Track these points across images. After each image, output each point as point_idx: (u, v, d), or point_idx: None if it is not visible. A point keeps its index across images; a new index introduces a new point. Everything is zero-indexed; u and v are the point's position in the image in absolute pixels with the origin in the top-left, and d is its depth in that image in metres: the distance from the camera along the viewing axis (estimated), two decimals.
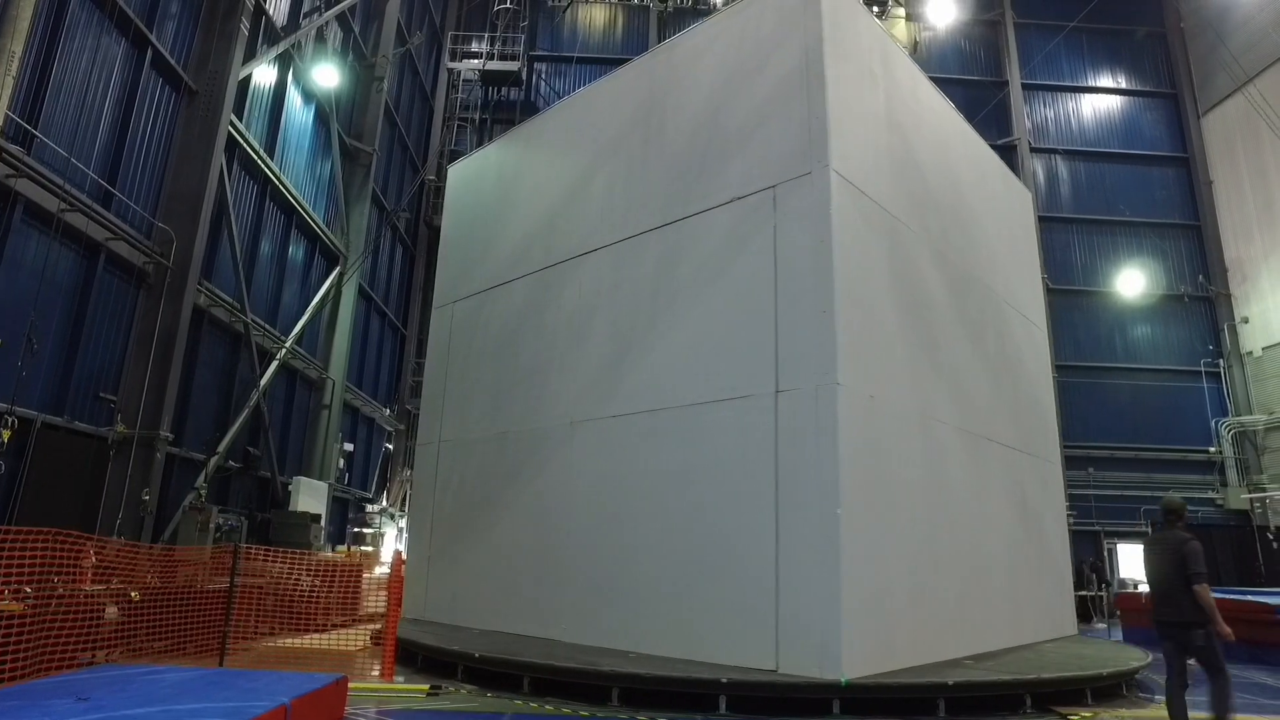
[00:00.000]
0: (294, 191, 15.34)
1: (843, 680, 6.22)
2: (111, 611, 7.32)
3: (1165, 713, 6.71)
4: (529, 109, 26.02)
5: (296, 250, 16.19)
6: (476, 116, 25.91)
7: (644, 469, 8.32)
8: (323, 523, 14.52)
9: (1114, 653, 9.12)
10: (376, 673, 7.63)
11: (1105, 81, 26.62)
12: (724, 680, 6.44)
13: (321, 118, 16.94)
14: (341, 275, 17.91)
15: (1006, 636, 9.13)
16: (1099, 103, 26.51)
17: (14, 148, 8.12)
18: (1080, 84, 26.45)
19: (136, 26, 10.41)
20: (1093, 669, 7.50)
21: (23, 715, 4.00)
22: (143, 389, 10.39)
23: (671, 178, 9.09)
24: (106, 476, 9.83)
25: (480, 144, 25.90)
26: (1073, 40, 26.12)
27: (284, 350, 15.06)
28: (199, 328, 12.14)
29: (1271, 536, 16.67)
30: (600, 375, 9.18)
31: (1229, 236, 24.62)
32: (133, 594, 7.66)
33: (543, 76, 26.60)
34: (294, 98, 15.62)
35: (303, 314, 16.18)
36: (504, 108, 26.20)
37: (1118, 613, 15.90)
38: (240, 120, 12.88)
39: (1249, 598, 12.49)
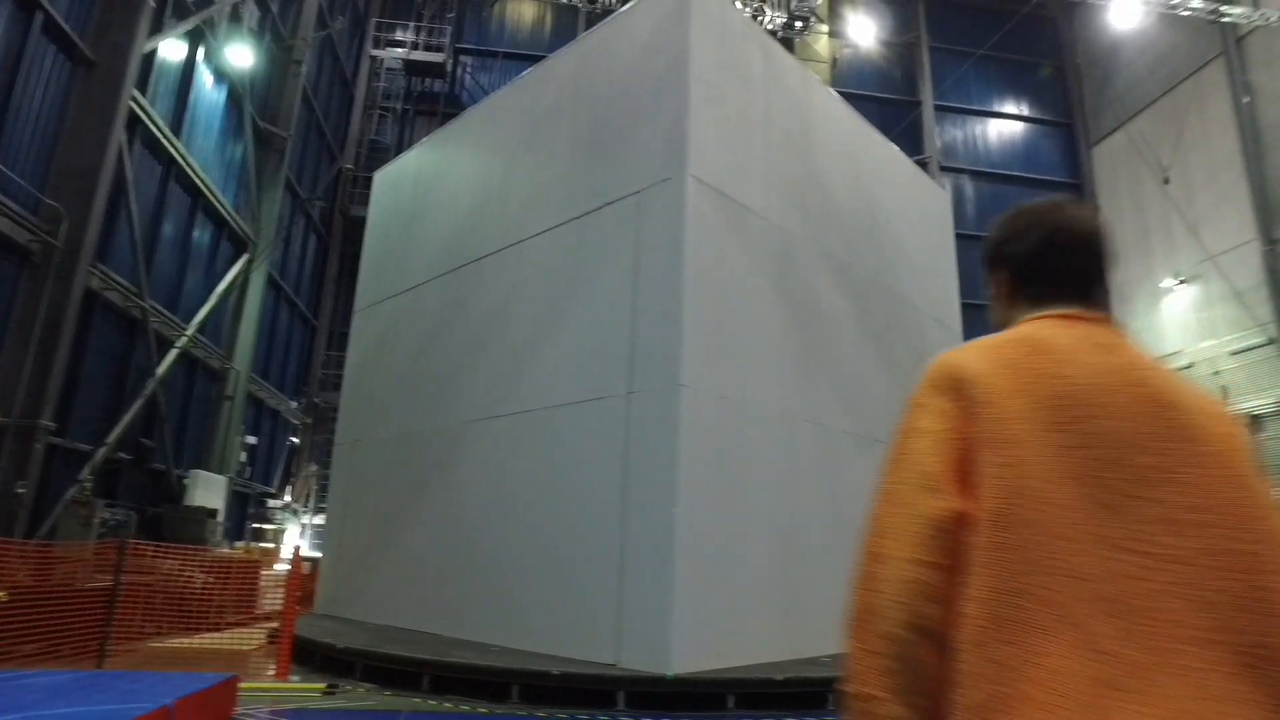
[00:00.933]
0: (201, 174, 14.69)
1: (669, 675, 6.41)
2: None
3: None
4: (453, 102, 25.63)
5: (202, 235, 15.51)
6: (399, 107, 25.37)
7: (521, 470, 8.52)
8: (220, 518, 13.96)
9: None
10: (272, 672, 7.42)
11: (1009, 108, 28.15)
12: (621, 676, 6.57)
13: (234, 99, 16.28)
14: (250, 262, 17.25)
15: None
16: (1003, 127, 28.02)
17: None
18: (987, 109, 27.89)
19: None
20: None
21: None
22: (22, 375, 9.77)
23: (562, 182, 9.27)
24: None
25: (402, 135, 25.41)
26: (982, 67, 27.51)
27: (185, 338, 14.40)
28: (91, 312, 11.50)
29: None
30: (495, 378, 9.31)
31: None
32: (2, 594, 7.22)
33: (468, 70, 26.23)
34: (204, 76, 14.96)
35: (207, 301, 15.51)
36: (427, 99, 25.74)
37: None
38: (144, 96, 12.26)
39: None
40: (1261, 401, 20.75)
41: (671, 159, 7.87)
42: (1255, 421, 20.97)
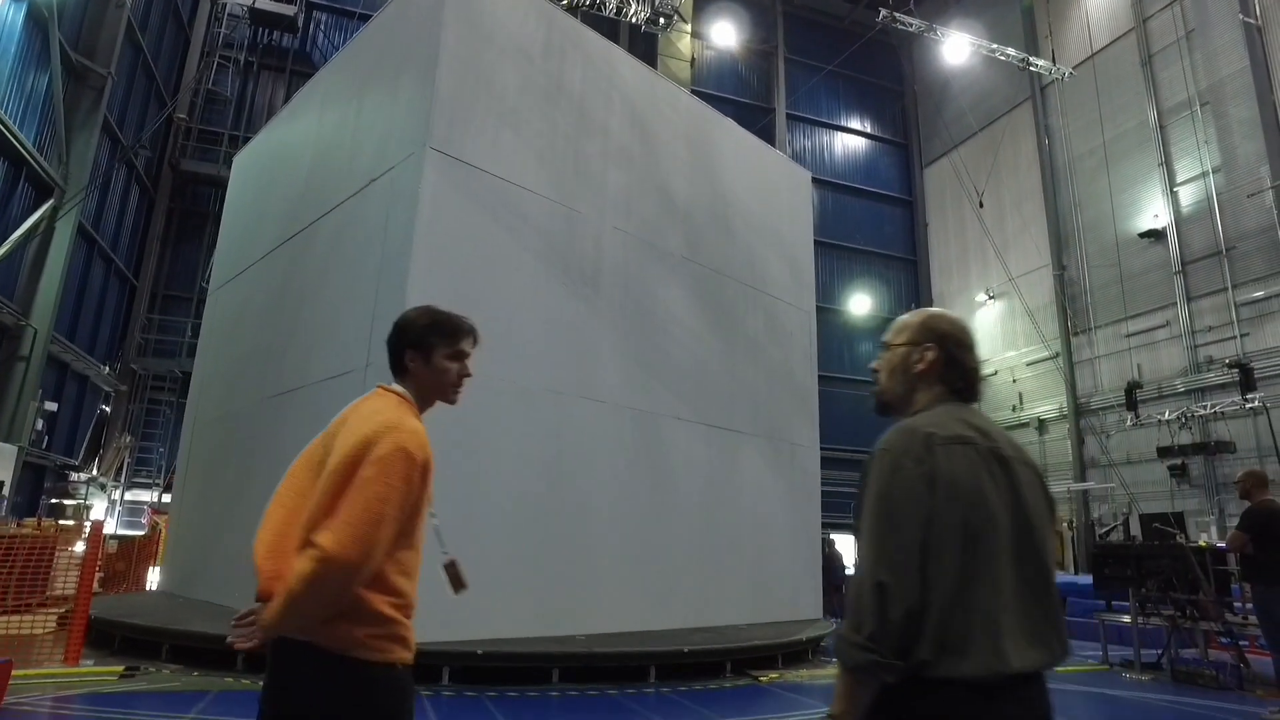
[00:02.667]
0: None
1: None
2: None
3: (828, 670, 7.93)
4: (304, 60, 24.18)
5: None
6: (241, 57, 23.57)
7: (290, 446, 8.41)
8: (6, 490, 12.57)
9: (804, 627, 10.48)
10: (61, 657, 6.86)
11: (854, 124, 30.14)
12: (444, 651, 6.63)
13: (37, 22, 14.54)
14: (56, 210, 15.53)
15: (697, 615, 9.14)
16: (848, 141, 29.97)
17: None
18: (834, 122, 29.71)
19: None
20: (781, 638, 8.63)
21: None
22: None
23: (358, 154, 9.17)
24: None
25: (245, 88, 23.65)
26: (831, 82, 29.25)
27: None
28: None
29: None
30: (299, 352, 9.19)
31: (936, 273, 28.97)
32: None
33: (322, 28, 24.80)
34: None
35: None
36: (275, 54, 24.10)
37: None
38: None
39: None
40: (1047, 407, 23.57)
41: (415, 133, 7.86)
42: (1042, 424, 23.82)
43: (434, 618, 6.81)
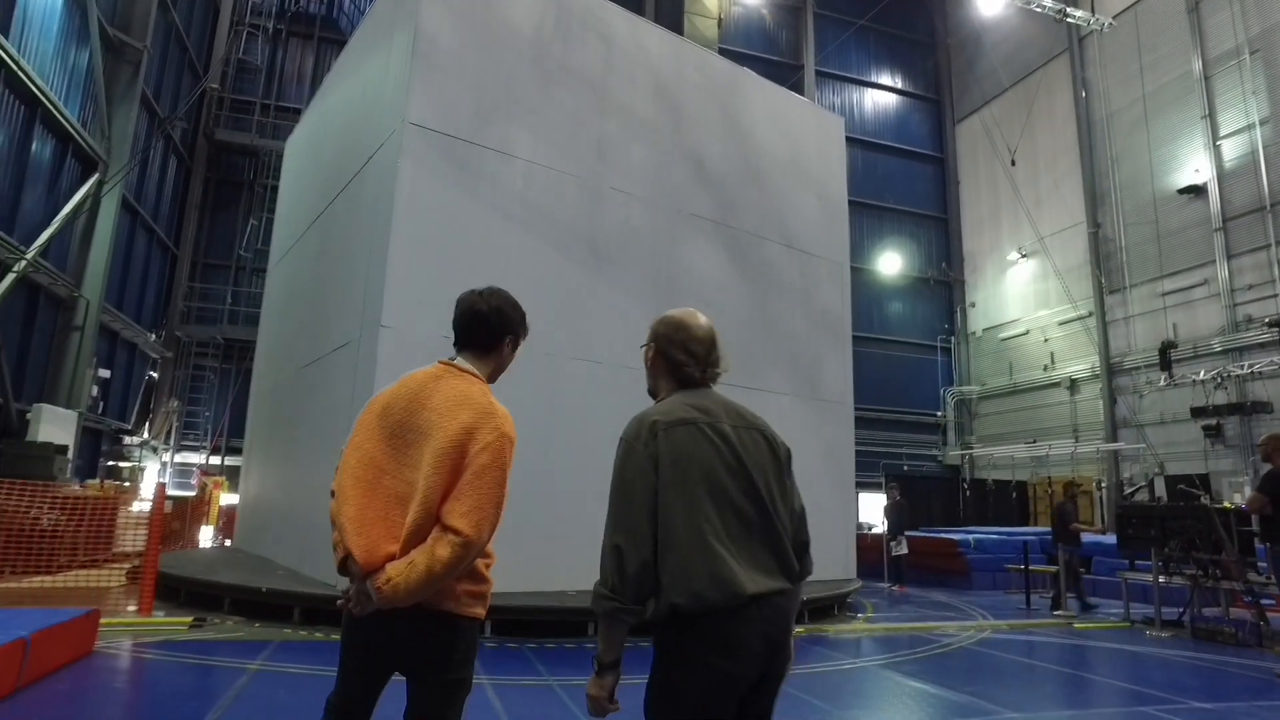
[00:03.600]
0: (38, 80, 13.42)
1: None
2: None
3: (864, 625, 8.23)
4: (331, 26, 24.29)
5: (42, 149, 14.25)
6: (270, 25, 23.73)
7: (315, 414, 9.16)
8: (70, 455, 13.25)
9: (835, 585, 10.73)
10: (134, 608, 7.39)
11: (885, 80, 29.56)
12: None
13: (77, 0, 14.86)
14: (101, 183, 16.00)
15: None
16: (879, 98, 29.43)
17: None
18: (865, 78, 29.16)
19: None
20: (806, 594, 8.92)
21: None
22: None
23: (357, 135, 9.61)
24: None
25: (274, 57, 23.86)
26: (862, 37, 28.66)
27: (24, 263, 13.34)
28: None
29: (965, 486, 20.09)
30: (311, 327, 9.92)
31: (967, 231, 28.59)
32: None
33: (344, 10, 24.79)
34: None
35: (50, 223, 14.35)
36: (302, 20, 24.22)
37: None
38: None
39: (941, 535, 15.17)
40: (1079, 367, 23.38)
41: (397, 109, 8.05)
42: (1073, 384, 23.65)
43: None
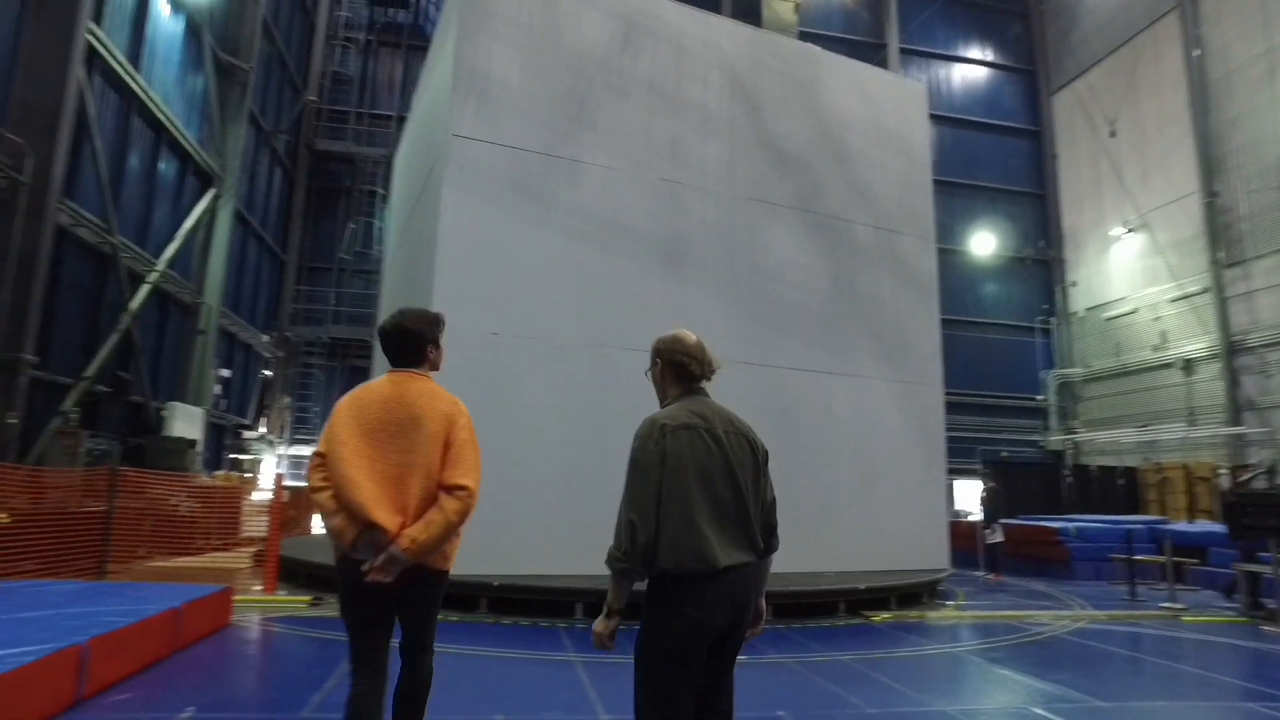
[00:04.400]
0: (164, 108, 14.63)
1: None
2: None
3: (954, 612, 8.16)
4: (418, 34, 25.21)
5: (167, 170, 15.51)
6: (361, 37, 24.89)
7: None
8: (199, 448, 14.44)
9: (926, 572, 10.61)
10: (260, 588, 8.10)
11: (974, 53, 28.41)
12: (579, 589, 7.38)
13: (193, 29, 16.05)
14: (217, 197, 17.27)
15: (816, 560, 9.19)
16: (967, 73, 28.33)
17: None
18: (952, 53, 28.12)
19: None
20: (896, 581, 8.88)
21: None
22: (1, 310, 10.05)
23: (426, 145, 10.30)
24: None
25: (365, 67, 25.00)
26: (947, 10, 27.63)
27: (155, 273, 14.59)
28: (61, 247, 11.67)
29: (1067, 473, 19.26)
30: None
31: (1067, 207, 27.23)
32: (3, 515, 7.73)
33: (428, 15, 25.69)
34: (161, 6, 14.73)
35: (175, 236, 15.62)
36: (391, 30, 25.28)
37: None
38: (100, 28, 12.17)
39: (1040, 522, 14.68)
40: (1194, 347, 21.99)
41: (445, 122, 8.66)
42: (1188, 365, 22.27)
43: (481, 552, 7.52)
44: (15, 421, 9.95)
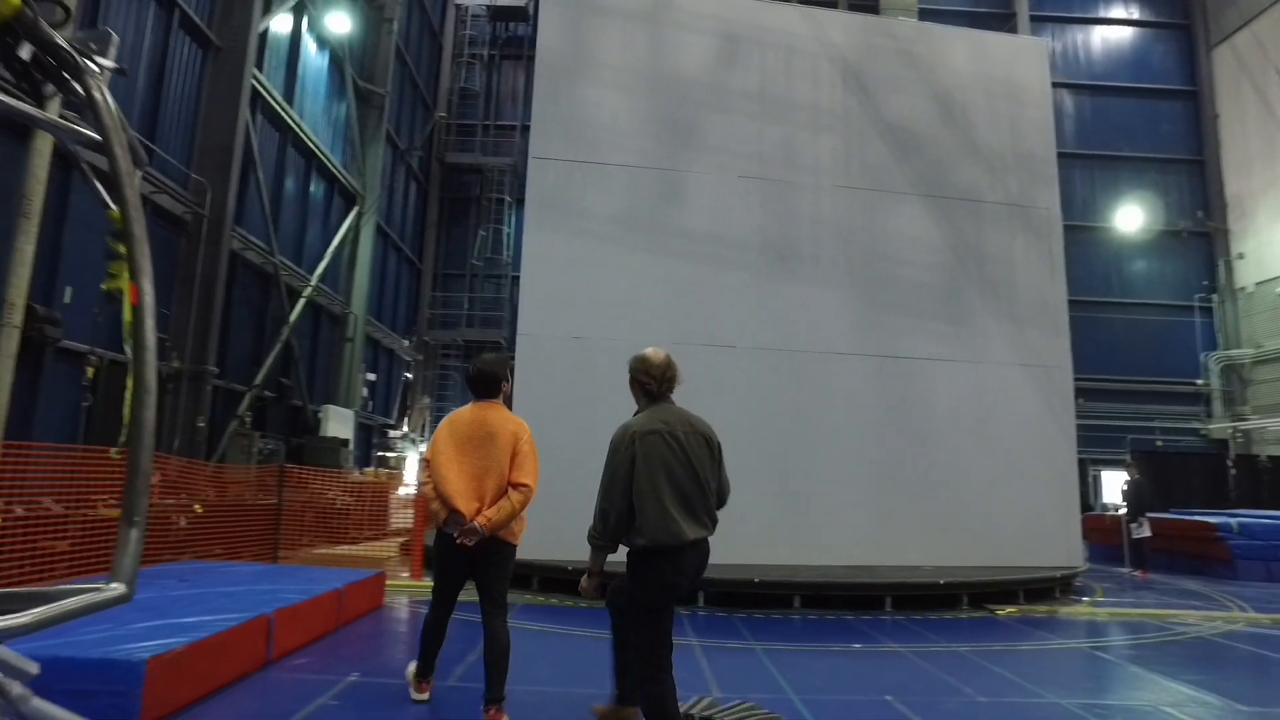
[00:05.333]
0: (313, 137, 16.10)
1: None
2: (182, 522, 8.58)
3: (1088, 609, 7.90)
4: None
5: (317, 192, 17.05)
6: (485, 53, 26.17)
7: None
8: (350, 447, 15.83)
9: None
10: (407, 574, 8.90)
11: (1117, 12, 26.36)
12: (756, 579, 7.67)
13: (336, 63, 17.53)
14: (360, 215, 18.79)
15: (937, 555, 9.00)
16: (1109, 34, 26.32)
17: (70, 114, 8.99)
18: (1090, 15, 26.22)
19: None
20: (1022, 574, 8.60)
21: (146, 588, 5.21)
22: (189, 327, 11.50)
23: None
24: (164, 405, 11.04)
25: (490, 81, 26.28)
26: None
27: (310, 288, 16.09)
28: (234, 269, 13.16)
29: (1231, 464, 17.68)
30: None
31: (1230, 171, 24.81)
32: (197, 507, 8.91)
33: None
34: (309, 45, 16.20)
35: (325, 253, 17.16)
36: (513, 44, 26.42)
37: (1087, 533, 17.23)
38: (261, 72, 13.58)
39: (1196, 517, 13.62)
40: None
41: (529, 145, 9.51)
42: None
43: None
44: (203, 425, 11.38)
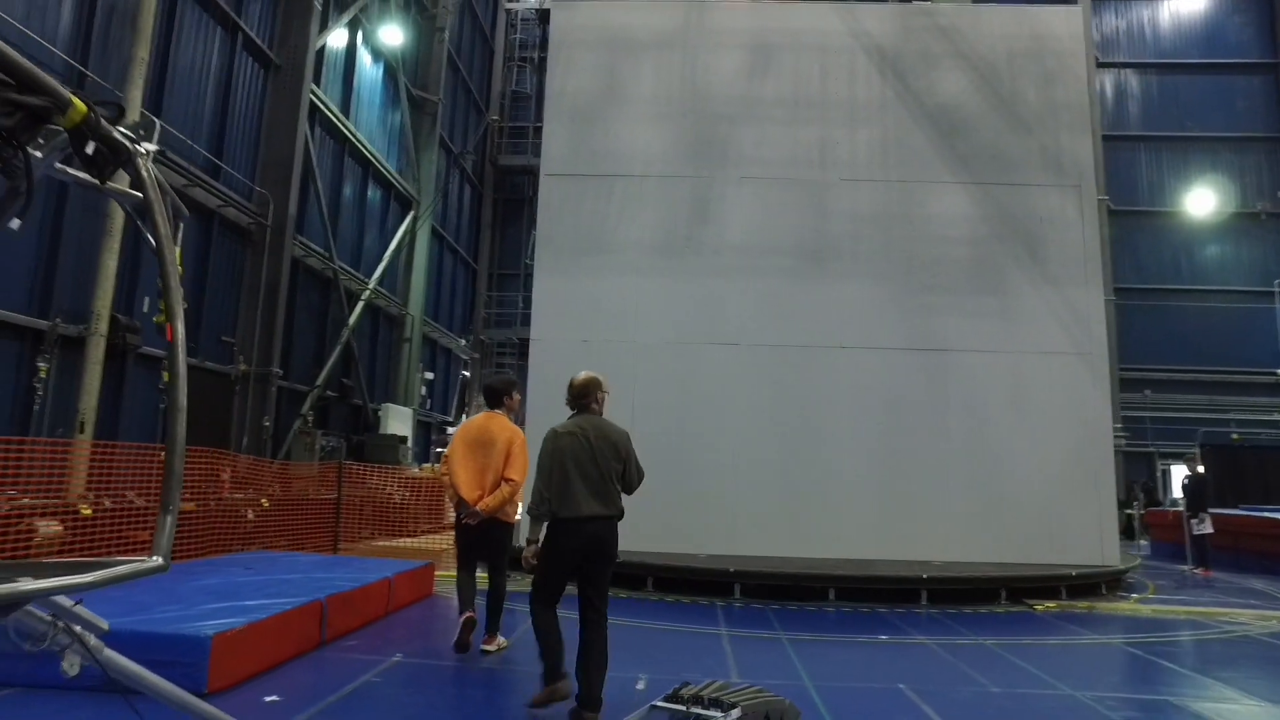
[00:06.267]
0: (369, 146, 16.76)
1: None
2: (250, 515, 9.18)
3: (1132, 605, 7.83)
4: None
5: (374, 199, 17.74)
6: (535, 55, 26.63)
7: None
8: (409, 443, 16.46)
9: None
10: None
11: None
12: (738, 570, 7.88)
13: (390, 73, 18.18)
14: (415, 219, 19.45)
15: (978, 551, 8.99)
16: (1178, 7, 25.24)
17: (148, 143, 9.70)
18: None
19: (229, 14, 11.77)
20: (1060, 571, 8.48)
21: (215, 574, 5.71)
22: (255, 331, 12.21)
23: None
24: (233, 406, 11.78)
25: (540, 83, 26.73)
26: None
27: (368, 291, 16.78)
28: (295, 276, 13.86)
29: None
30: None
31: None
32: (264, 501, 9.51)
33: None
34: (364, 58, 16.87)
35: (382, 257, 17.85)
36: None
37: (1149, 529, 16.73)
38: (319, 87, 14.24)
39: (1266, 514, 13.12)
40: None
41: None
42: None
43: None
44: (269, 424, 12.08)
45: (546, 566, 4.00)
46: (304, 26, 13.24)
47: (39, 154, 1.70)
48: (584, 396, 4.22)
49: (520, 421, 5.90)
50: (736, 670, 4.95)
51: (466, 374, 25.34)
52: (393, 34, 17.47)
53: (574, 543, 3.93)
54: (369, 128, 17.12)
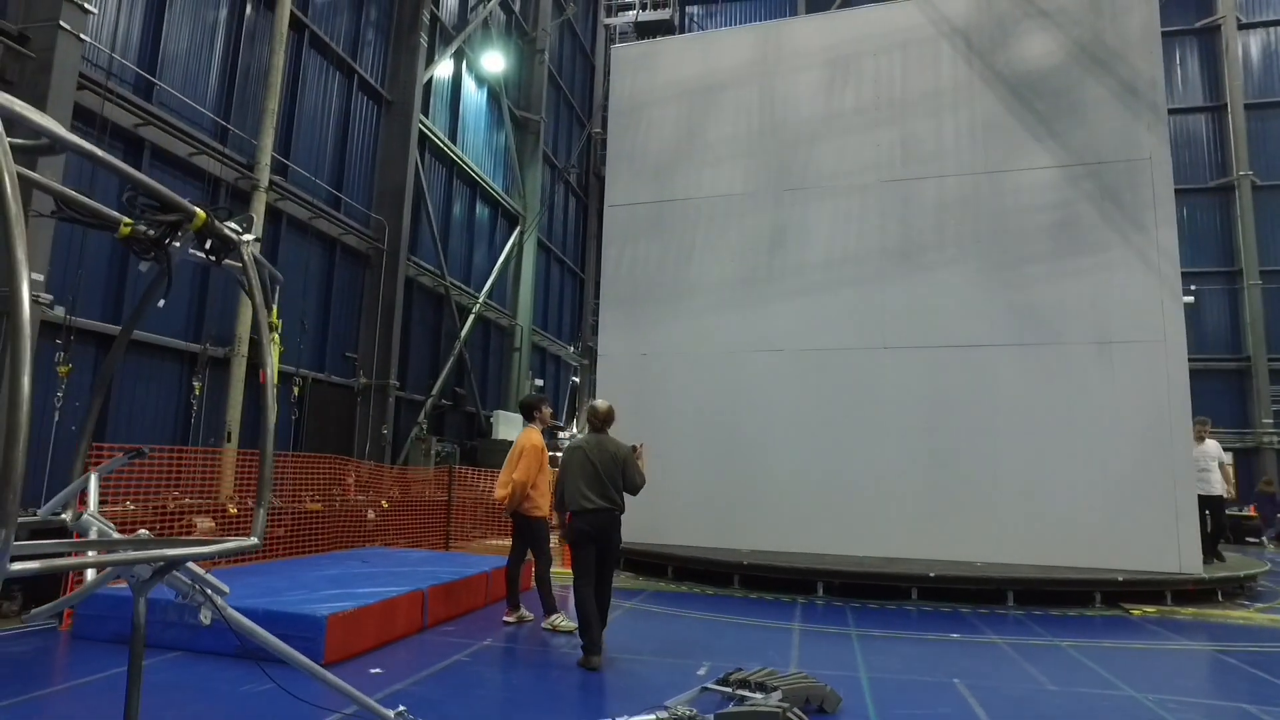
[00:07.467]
0: (475, 168, 17.84)
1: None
2: (370, 515, 10.14)
3: (1247, 613, 7.47)
4: None
5: (482, 216, 18.83)
6: None
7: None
8: None
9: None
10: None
11: None
12: (821, 569, 8.06)
13: (493, 97, 19.25)
14: (521, 233, 20.45)
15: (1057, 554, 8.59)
16: None
17: (278, 178, 10.91)
18: None
19: (345, 60, 12.96)
20: (1169, 575, 8.11)
21: (335, 566, 6.50)
22: (374, 347, 13.35)
23: None
24: (356, 416, 12.93)
25: None
26: None
27: (479, 305, 17.85)
28: (410, 294, 14.99)
29: None
30: None
31: None
32: (384, 503, 10.47)
33: (695, 21, 27.35)
34: (469, 85, 17.96)
35: (491, 272, 18.91)
36: None
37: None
38: (427, 117, 15.35)
39: None
40: None
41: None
42: None
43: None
44: (387, 432, 13.18)
45: (573, 546, 5.36)
46: (412, 63, 14.34)
47: (177, 245, 2.37)
48: (599, 421, 5.61)
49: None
50: (798, 662, 5.20)
51: (576, 380, 26.27)
52: (494, 61, 18.50)
53: (582, 525, 5.29)
54: (475, 150, 18.21)
